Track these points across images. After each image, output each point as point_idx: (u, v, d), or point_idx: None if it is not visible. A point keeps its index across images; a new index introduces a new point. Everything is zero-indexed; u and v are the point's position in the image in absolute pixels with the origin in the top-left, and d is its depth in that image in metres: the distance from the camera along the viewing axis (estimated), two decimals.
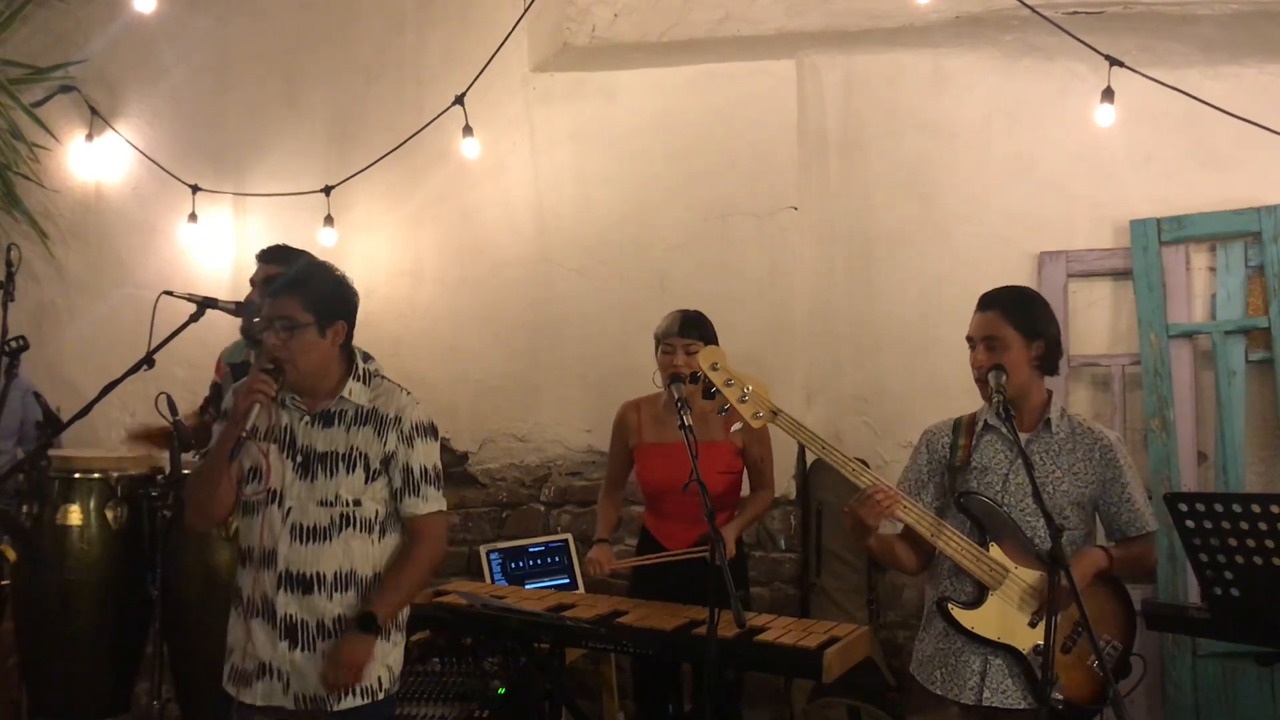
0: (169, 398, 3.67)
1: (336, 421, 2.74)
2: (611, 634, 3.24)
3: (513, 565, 4.47)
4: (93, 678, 3.84)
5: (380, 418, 2.75)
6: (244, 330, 3.78)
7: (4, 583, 3.89)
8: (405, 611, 2.84)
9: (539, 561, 4.51)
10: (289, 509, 2.69)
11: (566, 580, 4.49)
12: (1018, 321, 2.85)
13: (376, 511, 2.74)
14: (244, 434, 2.60)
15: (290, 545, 2.68)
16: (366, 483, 2.72)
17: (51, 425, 3.81)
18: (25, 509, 3.82)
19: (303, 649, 2.67)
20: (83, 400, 2.96)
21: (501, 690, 3.61)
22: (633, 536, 4.07)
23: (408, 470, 2.75)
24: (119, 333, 4.88)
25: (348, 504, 2.70)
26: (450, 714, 3.55)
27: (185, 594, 3.74)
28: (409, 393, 2.85)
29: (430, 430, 2.82)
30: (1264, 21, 4.45)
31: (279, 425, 2.74)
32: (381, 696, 2.74)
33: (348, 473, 2.70)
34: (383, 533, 2.76)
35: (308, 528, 2.68)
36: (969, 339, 2.91)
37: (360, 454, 2.72)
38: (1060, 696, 2.71)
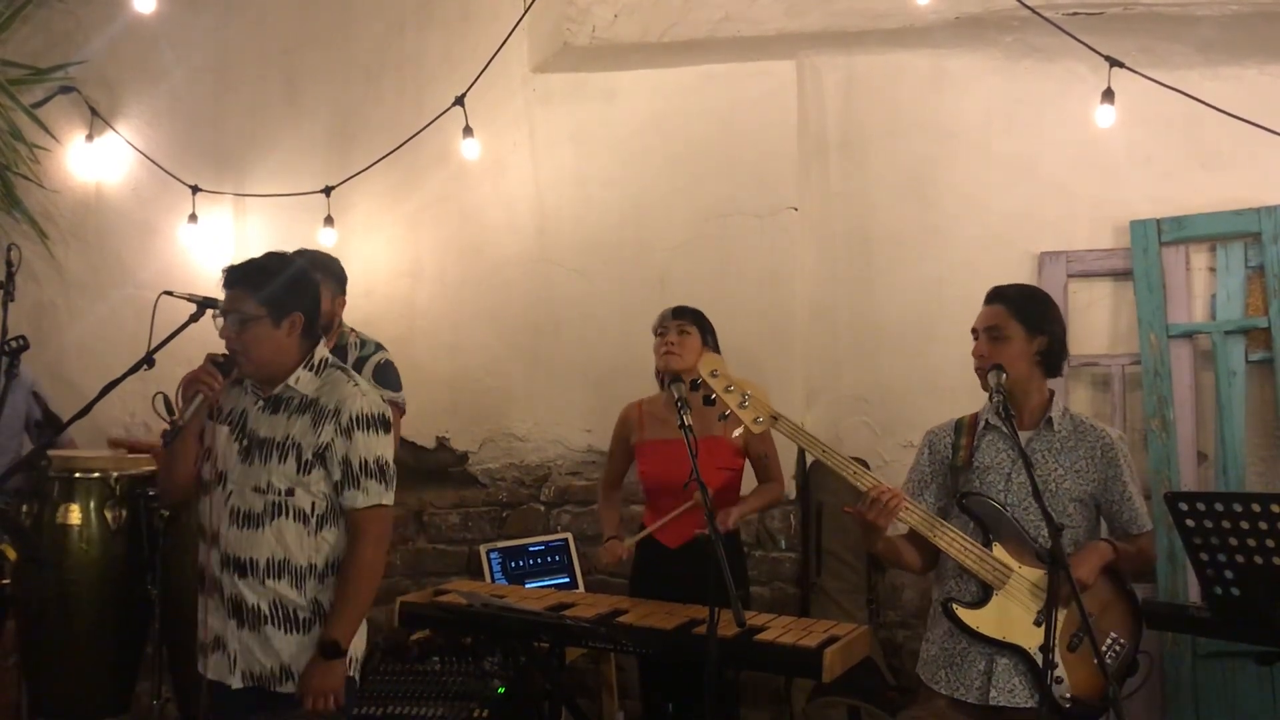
0: (166, 398, 3.66)
1: (282, 408, 2.78)
2: (611, 634, 3.23)
3: (513, 565, 4.47)
4: (93, 678, 3.83)
5: (320, 408, 2.74)
6: None
7: (4, 582, 3.89)
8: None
9: (539, 561, 4.51)
10: (230, 492, 2.73)
11: (566, 580, 4.49)
12: (1022, 315, 2.87)
13: (313, 503, 2.73)
14: (181, 423, 2.68)
15: (229, 528, 2.72)
16: (299, 473, 2.71)
17: (51, 425, 3.81)
18: (25, 509, 3.82)
19: (248, 628, 2.71)
20: (83, 400, 2.95)
21: (501, 690, 3.61)
22: (632, 535, 4.05)
23: (346, 463, 2.73)
24: (119, 333, 4.87)
25: (279, 492, 2.71)
26: (450, 714, 3.55)
27: (184, 594, 3.71)
28: (357, 384, 2.82)
29: (376, 421, 2.76)
30: (1264, 22, 4.45)
31: (236, 408, 2.80)
32: None
33: (280, 461, 2.72)
34: (320, 524, 2.74)
35: (244, 512, 2.72)
36: (974, 330, 2.92)
37: (294, 443, 2.72)
38: (1069, 695, 2.71)
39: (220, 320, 2.77)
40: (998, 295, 2.94)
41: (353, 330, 4.00)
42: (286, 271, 2.80)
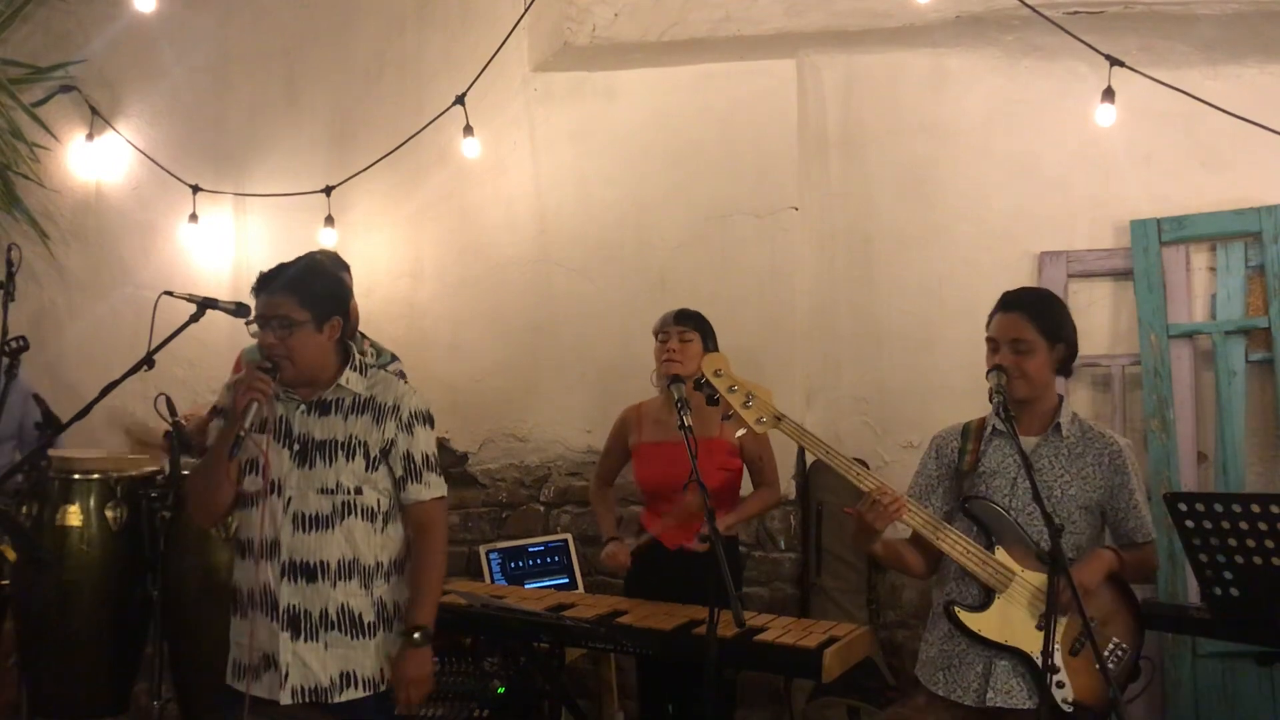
0: (168, 399, 3.67)
1: (334, 410, 2.76)
2: (611, 634, 3.24)
3: (512, 565, 4.47)
4: (93, 678, 3.83)
5: (378, 406, 2.77)
6: None
7: (4, 583, 3.88)
8: (404, 602, 2.83)
9: (539, 561, 4.51)
10: (289, 498, 2.70)
11: (566, 580, 4.49)
12: (1042, 325, 2.83)
13: (378, 500, 2.76)
14: (243, 432, 2.61)
15: (293, 534, 2.69)
16: (367, 470, 2.74)
17: (51, 426, 3.80)
18: (25, 510, 3.82)
19: (305, 639, 2.68)
20: (83, 401, 2.95)
21: (501, 690, 3.61)
22: (631, 537, 4.06)
23: (409, 458, 2.78)
24: (119, 333, 4.88)
25: (349, 491, 2.72)
26: (450, 714, 3.55)
27: (185, 594, 3.74)
28: (406, 382, 2.90)
29: (428, 418, 2.84)
30: (1264, 21, 4.45)
31: (274, 417, 2.76)
32: (384, 688, 2.75)
33: (348, 460, 2.72)
34: (385, 522, 2.78)
35: (309, 516, 2.70)
36: (990, 340, 2.86)
37: (360, 442, 2.74)
38: (1070, 699, 2.71)
39: (254, 327, 2.73)
40: (1015, 304, 2.86)
41: (366, 337, 3.97)
42: (326, 275, 2.83)
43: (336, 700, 2.69)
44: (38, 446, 3.69)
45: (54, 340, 5.04)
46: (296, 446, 2.73)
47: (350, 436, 2.74)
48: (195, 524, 2.88)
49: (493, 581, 4.37)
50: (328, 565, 2.69)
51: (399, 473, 2.78)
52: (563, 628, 3.28)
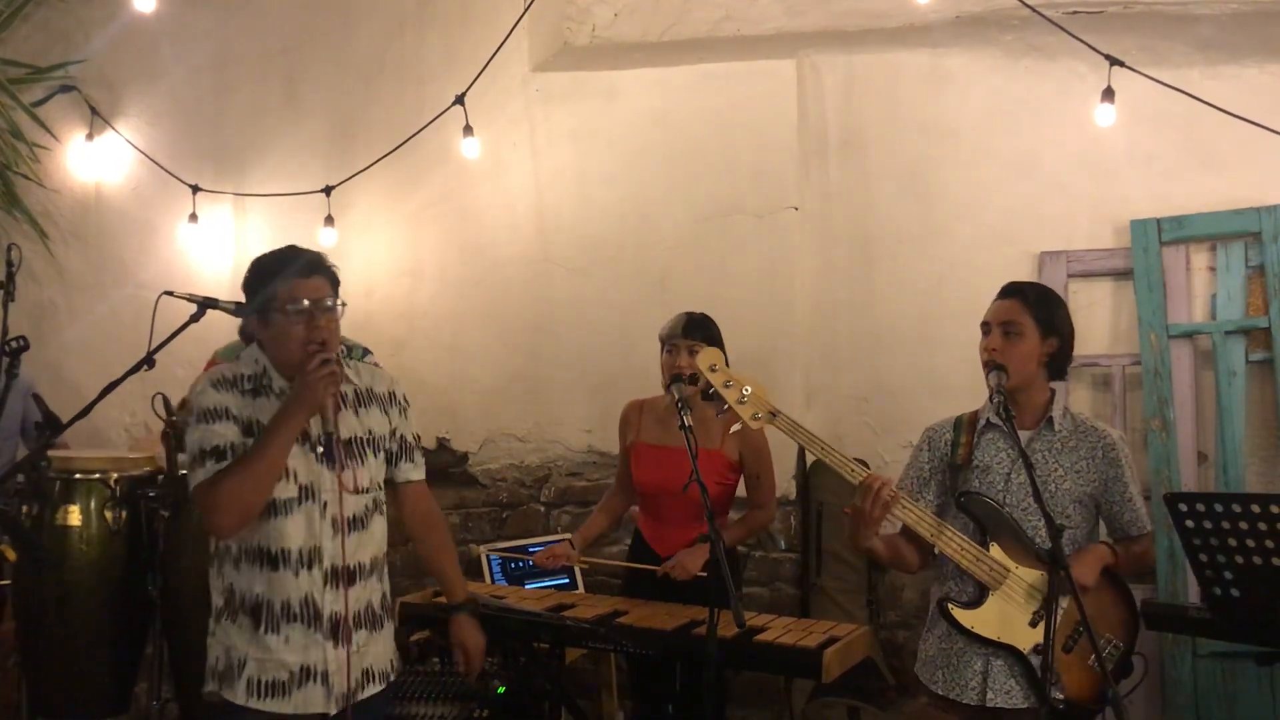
0: (164, 398, 3.67)
1: (341, 405, 2.64)
2: (611, 634, 3.23)
3: (513, 565, 4.47)
4: (93, 678, 3.83)
5: (378, 396, 2.71)
6: (243, 331, 3.77)
7: (4, 583, 3.89)
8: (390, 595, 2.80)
9: None
10: (324, 503, 2.55)
11: (566, 580, 4.49)
12: (1037, 314, 2.84)
13: (380, 492, 2.72)
14: (332, 432, 2.56)
15: (333, 539, 2.56)
16: (387, 465, 2.72)
17: (51, 426, 3.80)
18: (25, 509, 3.82)
19: (340, 644, 2.57)
20: (83, 400, 2.95)
21: (501, 690, 3.61)
22: (629, 537, 4.06)
23: (403, 439, 2.75)
24: (119, 333, 4.88)
25: (377, 488, 2.67)
26: (450, 714, 3.55)
27: (184, 594, 3.74)
28: (380, 366, 2.88)
29: (409, 401, 2.84)
30: (1264, 21, 4.45)
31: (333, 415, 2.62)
32: (394, 678, 2.73)
33: (374, 456, 2.66)
34: (383, 512, 2.73)
35: (347, 519, 2.57)
36: (984, 324, 2.88)
37: (379, 437, 2.68)
38: (1061, 696, 2.71)
39: (321, 313, 2.56)
40: (1015, 291, 2.90)
41: None
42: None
43: (359, 699, 2.59)
44: (38, 446, 3.69)
45: (54, 340, 5.05)
46: (320, 448, 2.58)
47: (369, 432, 2.66)
48: (218, 529, 2.55)
49: (493, 582, 4.37)
50: (364, 566, 2.62)
51: (393, 451, 2.73)
52: (563, 628, 3.28)
